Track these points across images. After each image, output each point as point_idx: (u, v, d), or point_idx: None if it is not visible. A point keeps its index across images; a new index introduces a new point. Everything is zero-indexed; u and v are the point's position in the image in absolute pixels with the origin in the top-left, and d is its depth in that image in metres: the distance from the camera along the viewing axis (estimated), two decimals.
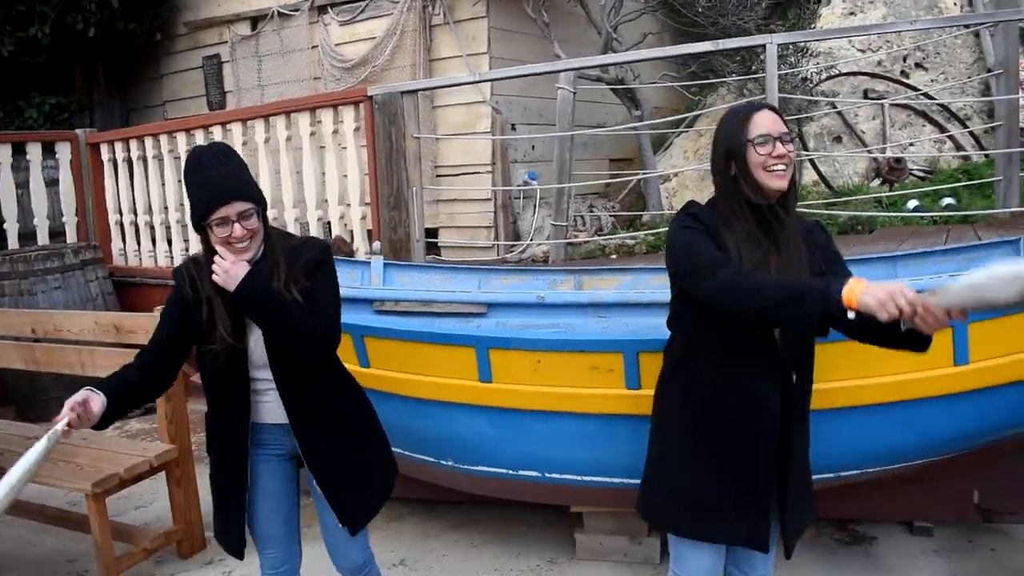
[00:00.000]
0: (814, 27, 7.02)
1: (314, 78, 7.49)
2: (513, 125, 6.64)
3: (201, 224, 2.23)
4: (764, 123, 2.08)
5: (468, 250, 6.71)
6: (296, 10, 7.50)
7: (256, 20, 7.96)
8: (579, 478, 3.35)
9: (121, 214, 6.70)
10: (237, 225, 2.20)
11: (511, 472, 3.43)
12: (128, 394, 2.30)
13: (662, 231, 5.89)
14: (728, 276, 1.98)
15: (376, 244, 4.98)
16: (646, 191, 6.25)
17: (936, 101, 7.04)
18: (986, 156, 6.27)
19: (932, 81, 7.14)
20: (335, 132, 5.28)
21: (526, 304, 4.60)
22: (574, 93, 5.80)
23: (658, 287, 4.62)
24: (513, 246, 6.44)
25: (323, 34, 7.40)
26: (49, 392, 5.73)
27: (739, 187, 2.11)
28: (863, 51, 7.08)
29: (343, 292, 4.37)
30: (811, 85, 6.51)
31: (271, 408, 2.41)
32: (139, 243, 6.60)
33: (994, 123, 6.49)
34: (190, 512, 4.01)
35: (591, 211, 6.61)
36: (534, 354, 3.24)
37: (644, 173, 5.62)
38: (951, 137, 6.95)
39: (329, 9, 7.35)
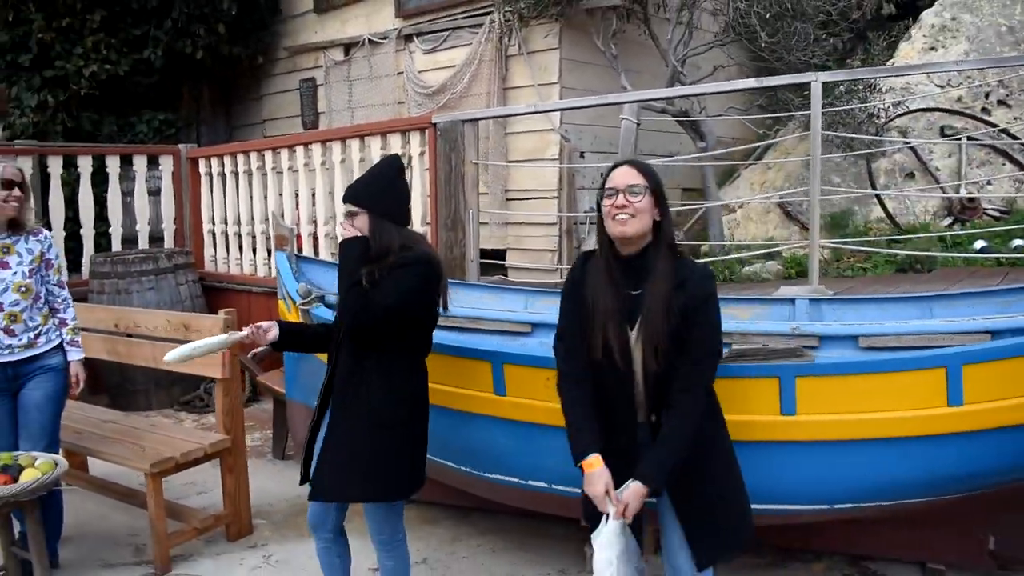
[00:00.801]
0: (892, 62, 6.97)
1: (398, 102, 7.91)
2: (582, 153, 6.86)
3: None
4: (615, 177, 2.39)
5: (533, 272, 6.95)
6: (385, 38, 7.95)
7: (349, 47, 8.47)
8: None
9: (214, 224, 7.25)
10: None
11: (522, 481, 3.63)
12: (302, 335, 3.17)
13: (719, 259, 6.00)
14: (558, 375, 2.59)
15: None
16: (708, 221, 6.35)
17: (1018, 141, 6.87)
18: None
19: (1016, 119, 6.97)
20: (403, 155, 5.62)
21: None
22: (637, 124, 5.99)
23: None
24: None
25: (408, 61, 7.82)
26: (137, 383, 6.29)
27: (604, 234, 2.43)
28: (942, 87, 6.98)
29: None
30: (881, 120, 6.47)
31: None
32: (228, 251, 7.11)
33: None
34: (240, 499, 4.37)
35: None
36: (544, 371, 3.44)
37: (699, 203, 5.73)
38: None
39: (415, 38, 7.77)
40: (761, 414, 3.16)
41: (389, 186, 2.99)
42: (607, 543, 2.30)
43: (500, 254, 7.10)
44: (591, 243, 7.02)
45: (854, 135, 5.77)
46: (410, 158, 5.64)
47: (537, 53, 6.88)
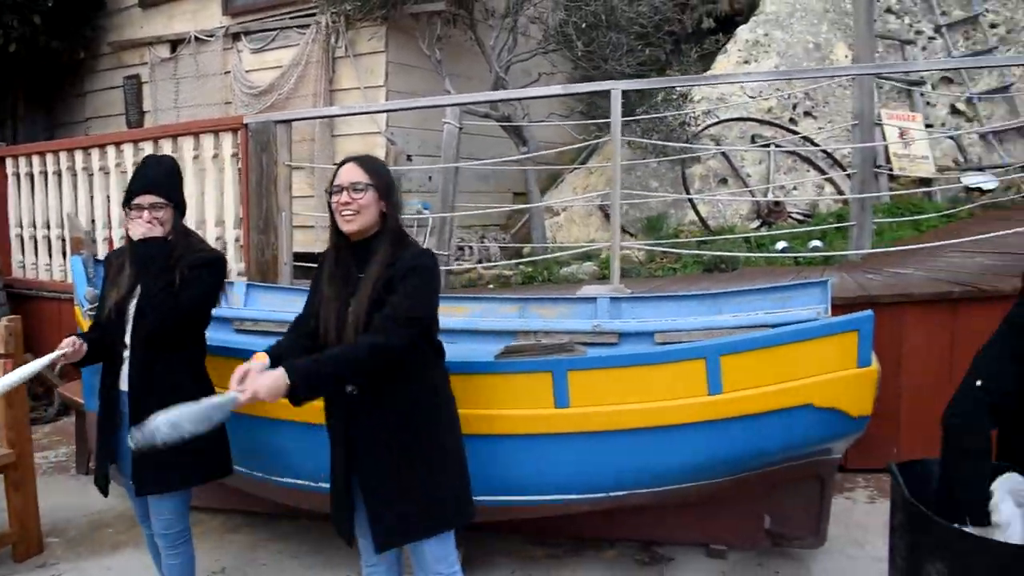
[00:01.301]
0: (709, 73, 7.33)
1: (226, 102, 7.71)
2: (409, 156, 6.88)
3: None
4: (341, 175, 2.48)
5: None
6: (212, 36, 7.74)
7: (176, 43, 8.19)
8: None
9: (22, 227, 6.85)
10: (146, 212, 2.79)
11: (311, 483, 3.59)
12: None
13: (539, 258, 6.14)
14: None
15: (239, 266, 5.17)
16: (531, 224, 6.49)
17: (819, 148, 7.35)
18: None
19: (820, 129, 7.46)
20: (215, 156, 5.48)
21: None
22: (460, 128, 6.05)
23: (505, 316, 4.86)
24: None
25: (236, 60, 7.64)
26: None
27: (334, 225, 2.52)
28: (753, 97, 7.39)
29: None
30: (696, 128, 6.80)
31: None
32: (37, 256, 6.74)
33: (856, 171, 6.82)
34: (27, 516, 4.13)
35: (481, 242, 6.82)
36: None
37: (518, 207, 5.85)
38: (832, 182, 7.25)
39: (243, 37, 7.59)
40: (537, 408, 3.26)
41: (182, 182, 3.02)
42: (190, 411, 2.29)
43: None
44: (434, 246, 7.02)
45: (667, 142, 6.03)
46: (223, 159, 5.51)
47: (364, 55, 6.86)
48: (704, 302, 4.58)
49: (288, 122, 5.31)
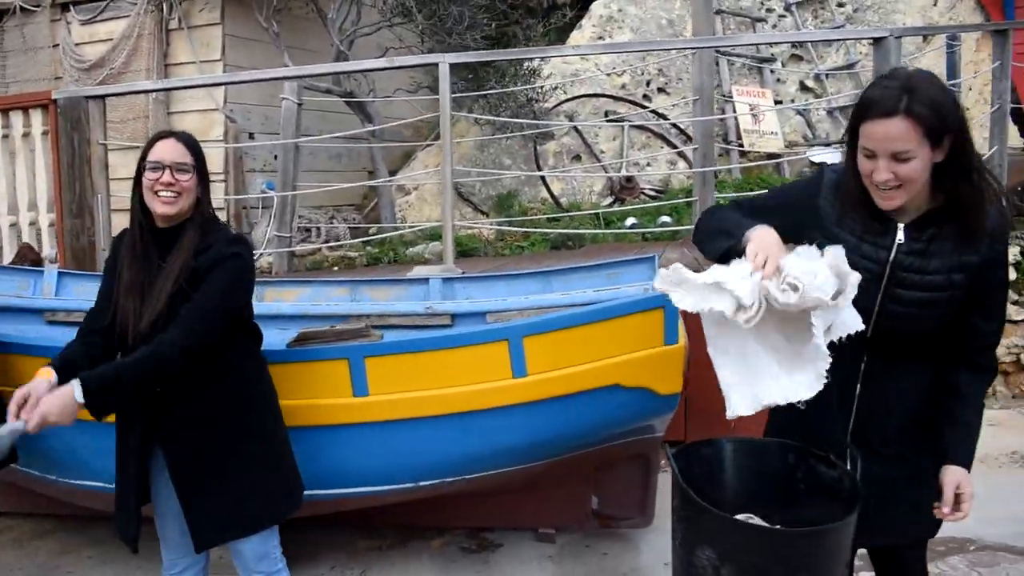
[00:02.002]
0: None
1: (56, 78, 7.22)
2: (251, 134, 6.58)
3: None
4: (161, 151, 2.27)
5: None
6: (38, 6, 7.21)
7: (0, 15, 7.62)
8: None
9: None
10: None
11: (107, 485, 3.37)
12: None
13: (376, 237, 5.98)
14: None
15: (51, 252, 4.83)
16: (380, 204, 6.31)
17: (668, 120, 7.40)
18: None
19: (674, 105, 7.50)
20: (25, 135, 5.10)
21: None
22: (299, 104, 5.81)
23: (336, 299, 4.69)
24: None
25: (64, 33, 7.15)
26: None
27: (141, 207, 2.29)
28: (608, 74, 7.37)
29: (12, 302, 4.19)
30: (547, 105, 6.73)
31: None
32: None
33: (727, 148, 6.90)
34: None
35: (331, 222, 6.60)
36: None
37: (358, 184, 5.65)
38: (684, 157, 7.31)
39: (71, 7, 7.11)
40: (334, 397, 3.12)
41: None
42: None
43: None
44: (263, 227, 6.78)
45: (512, 119, 5.93)
46: (33, 138, 5.13)
47: (199, 28, 6.51)
48: (537, 280, 4.52)
49: (101, 98, 4.97)
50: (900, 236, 1.88)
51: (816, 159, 6.96)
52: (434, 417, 3.14)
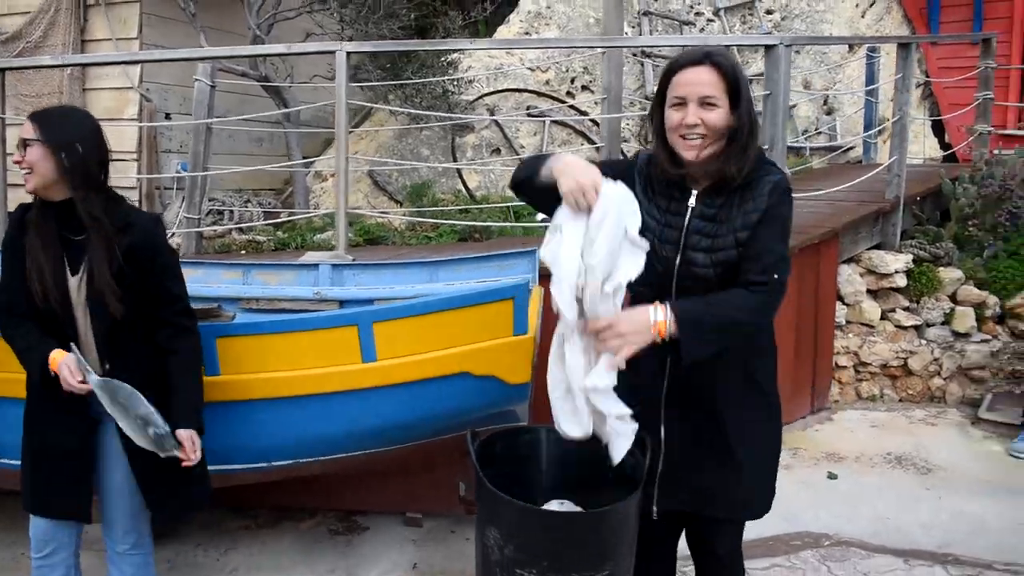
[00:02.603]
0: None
1: None
2: (168, 115, 6.57)
3: None
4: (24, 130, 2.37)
5: None
6: None
7: None
8: None
9: None
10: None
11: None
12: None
13: (273, 222, 6.01)
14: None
15: None
16: (294, 190, 6.35)
17: (588, 117, 7.51)
18: None
19: (596, 103, 7.59)
20: None
21: None
22: (212, 86, 5.81)
23: (228, 282, 4.73)
24: None
25: None
26: None
27: None
28: (532, 70, 7.46)
29: None
30: (467, 98, 6.79)
31: None
32: None
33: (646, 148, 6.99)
34: None
35: (245, 206, 6.61)
36: None
37: (264, 167, 5.67)
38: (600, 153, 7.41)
39: None
40: None
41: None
42: None
43: None
44: (176, 208, 6.78)
45: (422, 111, 5.98)
46: None
47: (117, 5, 6.47)
48: (424, 270, 4.61)
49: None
50: (692, 201, 2.11)
51: None
52: (285, 399, 3.20)
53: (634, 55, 7.79)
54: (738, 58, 4.59)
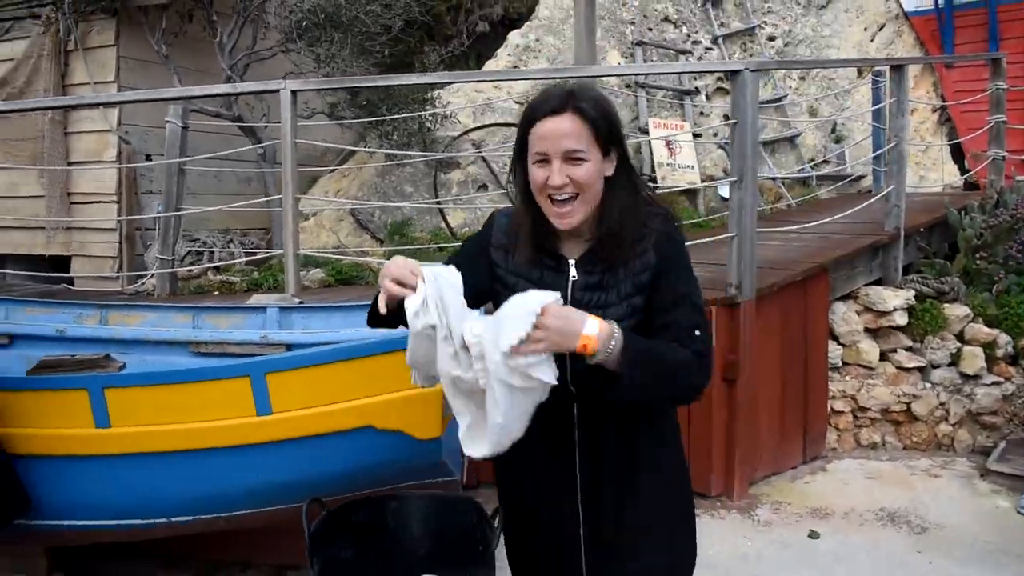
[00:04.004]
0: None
1: None
2: (148, 156, 6.54)
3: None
4: None
5: (99, 280, 6.56)
6: None
7: None
8: None
9: None
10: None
11: None
12: None
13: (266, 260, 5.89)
14: None
15: None
16: (273, 230, 6.24)
17: None
18: None
19: None
20: None
21: (47, 337, 4.56)
22: (184, 127, 5.76)
23: (177, 325, 4.62)
24: (137, 278, 6.30)
25: None
26: None
27: None
28: (520, 103, 7.28)
29: None
30: (449, 134, 6.64)
31: None
32: None
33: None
34: None
35: (227, 246, 6.53)
36: None
37: (235, 206, 5.57)
38: None
39: None
40: (76, 427, 3.01)
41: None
42: None
43: (66, 261, 6.66)
44: (155, 250, 6.72)
45: (405, 147, 5.84)
46: None
47: (95, 50, 6.50)
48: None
49: None
50: (573, 272, 1.81)
51: (725, 193, 6.81)
52: (178, 452, 3.03)
53: (628, 86, 7.58)
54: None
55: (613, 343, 1.61)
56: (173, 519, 3.17)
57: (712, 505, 4.64)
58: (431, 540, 2.37)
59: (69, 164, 6.53)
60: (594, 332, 1.60)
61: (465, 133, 6.87)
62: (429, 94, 6.39)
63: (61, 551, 3.46)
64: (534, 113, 1.75)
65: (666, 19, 7.99)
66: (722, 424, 4.64)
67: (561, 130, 1.70)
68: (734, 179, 4.59)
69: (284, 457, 3.06)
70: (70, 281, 6.57)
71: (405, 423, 3.07)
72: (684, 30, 8.07)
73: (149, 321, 4.65)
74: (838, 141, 8.07)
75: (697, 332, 1.75)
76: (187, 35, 6.56)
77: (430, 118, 6.30)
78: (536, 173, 1.74)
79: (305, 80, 4.68)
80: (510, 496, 2.01)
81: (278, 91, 4.50)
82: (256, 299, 4.73)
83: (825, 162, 7.89)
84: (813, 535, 4.26)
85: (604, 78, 6.74)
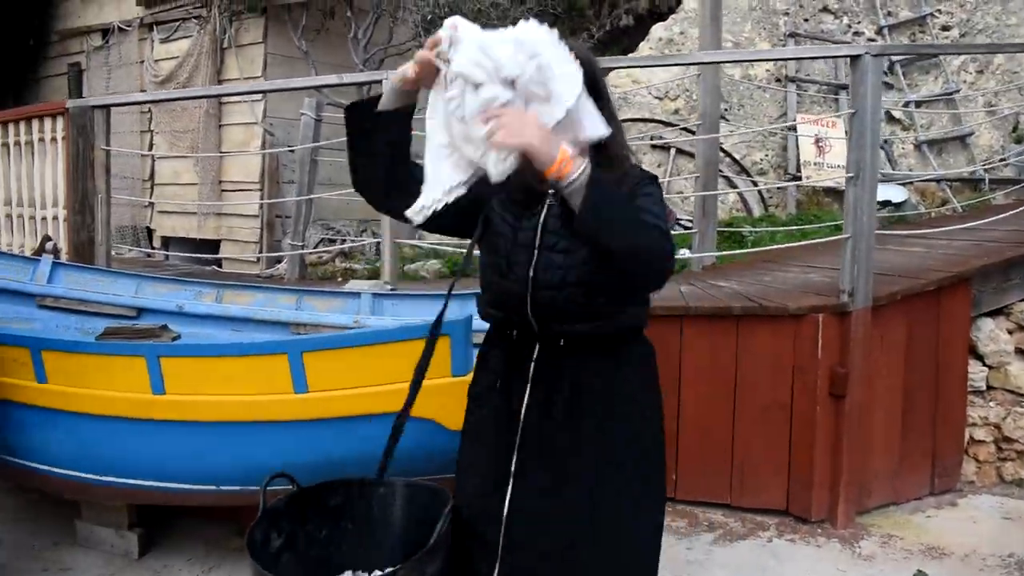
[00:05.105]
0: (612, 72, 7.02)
1: (141, 90, 7.92)
2: (292, 148, 6.87)
3: None
4: None
5: (244, 263, 6.98)
6: (130, 26, 7.97)
7: (106, 32, 8.48)
8: None
9: None
10: None
11: None
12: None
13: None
14: None
15: (49, 244, 5.28)
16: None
17: (726, 155, 6.94)
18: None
19: (732, 131, 7.03)
20: (50, 140, 5.63)
21: (169, 311, 4.89)
22: (317, 119, 6.01)
23: (282, 306, 4.82)
24: (273, 262, 6.66)
25: (148, 50, 7.85)
26: None
27: None
28: (660, 98, 7.04)
29: (9, 286, 4.56)
30: None
31: None
32: None
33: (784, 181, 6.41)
34: None
35: (361, 235, 6.77)
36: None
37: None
38: (732, 185, 6.84)
39: (154, 27, 7.79)
40: (135, 391, 3.18)
41: None
42: None
43: (216, 245, 7.14)
44: (290, 236, 7.04)
45: None
46: (47, 141, 5.67)
47: (246, 47, 6.92)
48: (467, 300, 4.44)
49: (106, 107, 5.39)
50: (550, 200, 1.85)
51: (879, 195, 6.25)
52: (225, 423, 3.14)
53: (777, 80, 7.14)
54: None
55: (584, 168, 1.61)
56: (221, 488, 3.28)
57: (811, 531, 4.25)
58: (404, 530, 2.29)
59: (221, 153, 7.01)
60: (569, 152, 1.61)
61: None
62: None
63: (143, 507, 3.67)
64: None
65: (825, 8, 7.45)
66: (826, 442, 4.24)
67: None
68: (850, 175, 4.20)
69: (317, 436, 3.10)
70: (219, 263, 7.02)
71: (436, 412, 3.01)
72: (845, 20, 7.50)
73: (258, 301, 4.87)
74: (1020, 141, 7.20)
75: (658, 221, 1.75)
76: (328, 31, 6.85)
77: None
78: None
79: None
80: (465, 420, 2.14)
81: (380, 81, 4.55)
82: (352, 284, 4.85)
83: (1003, 163, 7.06)
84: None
85: (731, 66, 6.39)
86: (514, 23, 1.68)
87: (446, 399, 2.98)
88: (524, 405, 1.87)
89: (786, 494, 4.31)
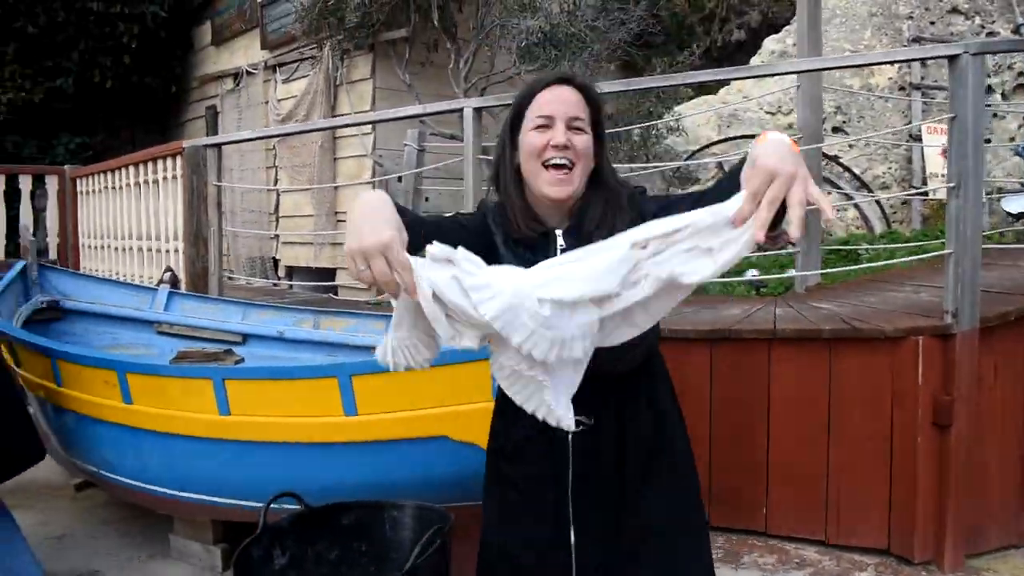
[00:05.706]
0: (725, 89, 6.80)
1: (266, 127, 8.39)
2: (400, 178, 7.06)
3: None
4: None
5: (358, 291, 7.21)
6: (256, 69, 8.46)
7: (236, 76, 9.05)
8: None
9: (89, 237, 7.84)
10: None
11: None
12: None
13: None
14: None
15: (168, 275, 5.65)
16: None
17: (844, 167, 6.57)
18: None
19: (850, 146, 6.67)
20: (170, 178, 6.04)
21: (270, 337, 5.15)
22: (420, 149, 6.18)
23: (374, 331, 4.95)
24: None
25: (272, 90, 8.30)
26: None
27: None
28: (772, 113, 6.76)
29: (130, 314, 4.93)
30: (689, 148, 6.34)
31: None
32: (100, 264, 7.64)
33: (912, 192, 6.03)
34: None
35: None
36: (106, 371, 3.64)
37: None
38: (856, 206, 6.46)
39: (277, 69, 8.24)
40: (204, 412, 3.33)
41: None
42: None
43: (332, 272, 7.42)
44: None
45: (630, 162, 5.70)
46: (169, 179, 6.07)
47: (356, 83, 7.19)
48: None
49: (217, 146, 5.73)
50: (560, 242, 1.80)
51: (1012, 208, 5.75)
52: (275, 444, 3.23)
53: (901, 88, 6.70)
54: None
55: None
56: (285, 507, 3.36)
57: (915, 573, 3.90)
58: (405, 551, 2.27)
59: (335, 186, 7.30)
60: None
61: (707, 147, 6.54)
62: (652, 109, 6.18)
63: (231, 523, 3.82)
64: (535, 86, 1.77)
65: (954, 9, 6.95)
66: (930, 476, 3.88)
67: (567, 97, 1.72)
68: (951, 185, 3.87)
69: (365, 459, 3.13)
70: (335, 290, 7.28)
71: (480, 436, 2.98)
72: (977, 20, 6.96)
73: (351, 327, 5.02)
74: None
75: None
76: (433, 64, 7.02)
77: (655, 132, 6.08)
78: (535, 139, 1.71)
79: (483, 99, 4.77)
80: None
81: (461, 110, 4.63)
82: None
83: None
84: None
85: (848, 76, 6.04)
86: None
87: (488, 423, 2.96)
88: (570, 453, 1.84)
89: (887, 532, 3.97)
